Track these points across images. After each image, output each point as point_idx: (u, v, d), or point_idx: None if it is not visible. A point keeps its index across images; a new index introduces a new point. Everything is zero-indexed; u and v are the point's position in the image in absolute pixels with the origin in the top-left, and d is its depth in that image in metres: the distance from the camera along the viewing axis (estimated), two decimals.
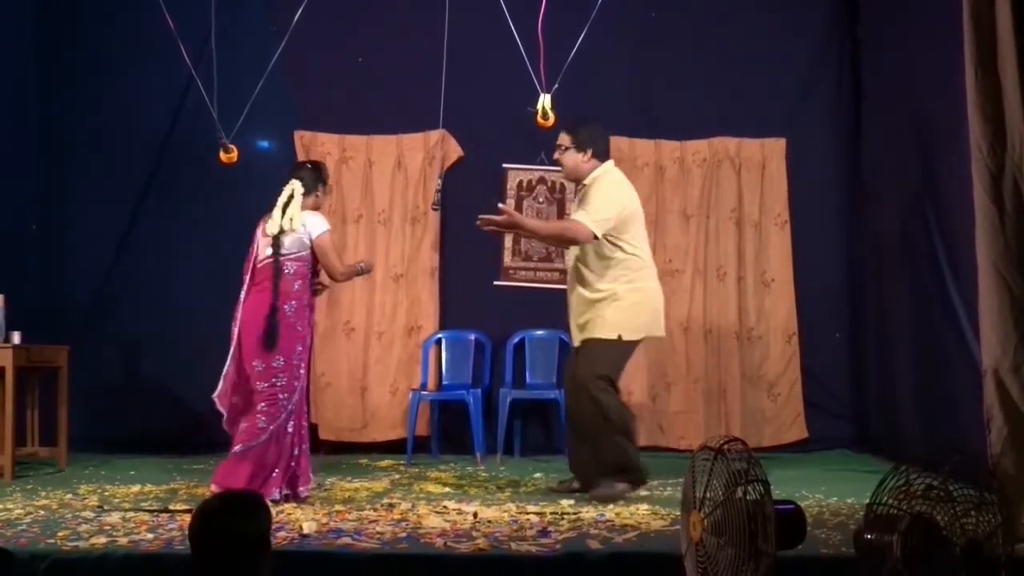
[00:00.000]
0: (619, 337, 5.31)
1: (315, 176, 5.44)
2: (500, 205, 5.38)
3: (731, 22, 7.46)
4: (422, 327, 7.34)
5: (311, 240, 5.23)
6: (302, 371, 5.24)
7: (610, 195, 5.37)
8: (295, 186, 5.33)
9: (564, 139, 5.50)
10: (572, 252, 5.47)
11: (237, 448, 5.10)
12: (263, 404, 5.13)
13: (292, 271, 5.20)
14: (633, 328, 5.35)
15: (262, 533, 2.62)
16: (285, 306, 5.17)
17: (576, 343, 5.48)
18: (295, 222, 5.22)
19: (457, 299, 7.38)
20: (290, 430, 5.17)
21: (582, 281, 5.40)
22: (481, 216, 5.24)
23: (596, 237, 5.26)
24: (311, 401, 7.29)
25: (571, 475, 5.57)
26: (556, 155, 5.58)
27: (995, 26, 4.13)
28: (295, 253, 5.21)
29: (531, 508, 4.86)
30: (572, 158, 5.48)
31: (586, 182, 5.46)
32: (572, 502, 5.07)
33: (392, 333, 7.36)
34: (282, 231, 5.21)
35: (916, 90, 6.38)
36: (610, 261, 5.33)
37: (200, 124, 6.74)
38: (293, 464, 5.20)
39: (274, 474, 5.12)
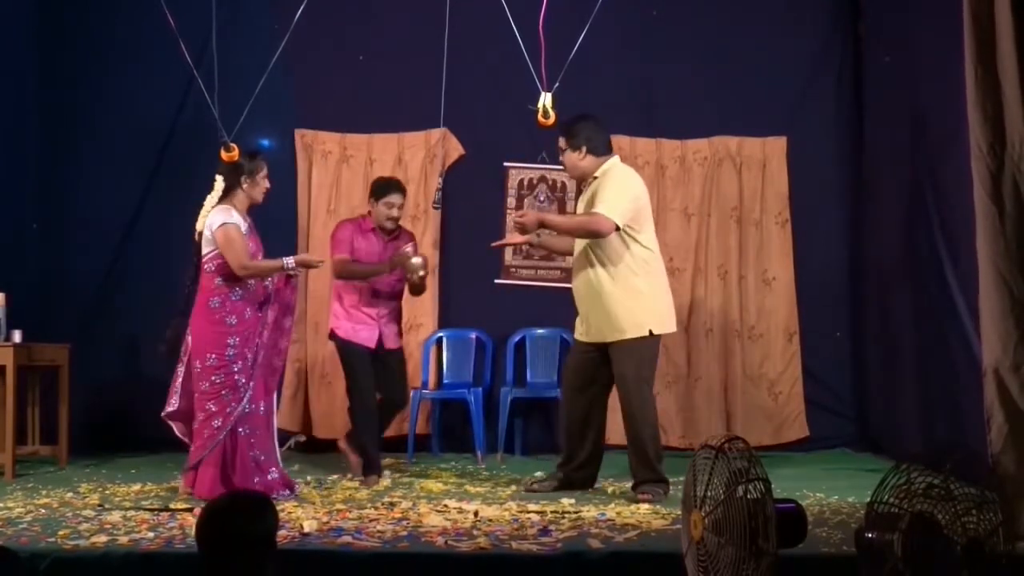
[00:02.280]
0: (650, 332, 5.34)
1: (232, 171, 5.37)
2: (517, 214, 5.50)
3: (732, 21, 7.46)
4: (422, 324, 7.34)
5: (212, 234, 5.23)
6: (242, 365, 5.19)
7: (624, 188, 5.39)
8: (216, 184, 5.34)
9: (560, 142, 5.55)
10: (582, 247, 5.46)
11: (200, 456, 5.16)
12: (211, 404, 5.15)
13: (212, 268, 5.24)
14: (659, 321, 5.40)
15: (268, 534, 2.62)
16: (210, 301, 5.20)
17: (597, 340, 5.42)
18: (205, 221, 5.25)
19: (458, 297, 7.38)
20: (256, 430, 5.20)
21: (598, 277, 5.38)
22: (512, 236, 5.63)
23: (618, 228, 5.29)
24: (311, 400, 7.31)
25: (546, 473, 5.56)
26: (560, 157, 5.63)
27: (995, 25, 4.13)
28: (211, 251, 5.24)
29: (532, 507, 4.86)
30: (569, 158, 5.52)
31: (596, 175, 5.46)
32: (573, 501, 5.07)
33: None
34: (200, 232, 5.27)
35: (917, 89, 6.39)
36: (628, 255, 5.34)
37: (201, 123, 6.74)
38: (274, 467, 5.27)
39: (271, 474, 5.15)
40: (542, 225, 5.52)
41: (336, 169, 7.44)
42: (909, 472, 2.82)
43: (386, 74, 7.38)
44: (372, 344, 5.93)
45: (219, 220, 5.22)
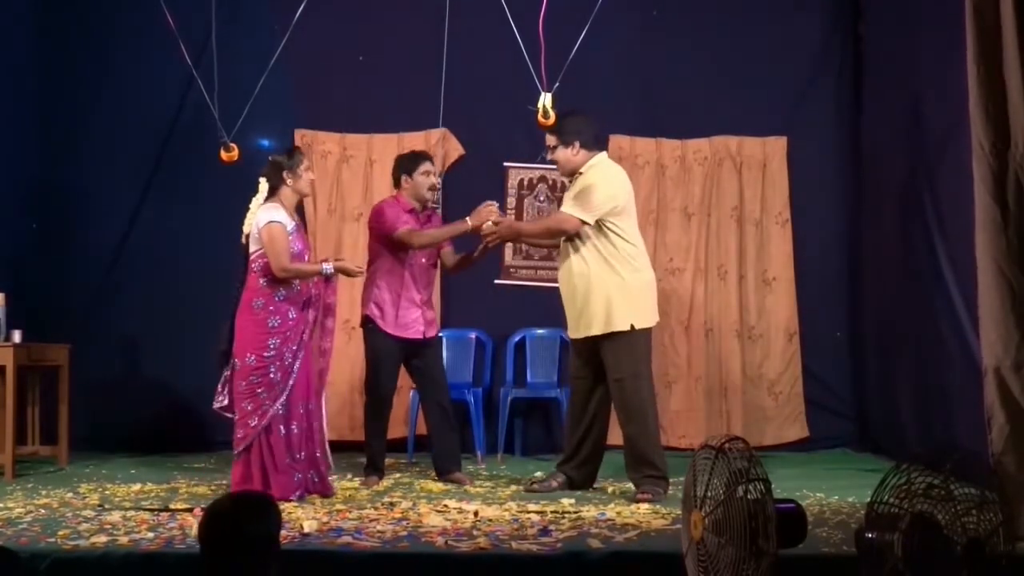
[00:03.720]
0: (631, 327, 5.34)
1: (275, 168, 5.32)
2: (493, 220, 5.50)
3: (732, 21, 7.46)
4: None
5: (259, 232, 5.23)
6: (279, 364, 5.18)
7: (600, 184, 5.39)
8: (261, 185, 5.32)
9: (550, 139, 5.52)
10: (565, 243, 5.45)
11: (236, 451, 5.17)
12: (247, 403, 5.16)
13: (258, 267, 5.23)
14: (642, 316, 5.40)
15: (271, 534, 2.62)
16: (254, 302, 5.20)
17: (584, 334, 5.42)
18: (251, 222, 5.26)
19: (458, 298, 7.37)
20: (294, 429, 5.17)
21: (581, 271, 5.39)
22: (486, 235, 5.54)
23: (585, 223, 5.30)
24: None
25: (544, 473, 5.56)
26: (548, 156, 5.60)
27: (998, 23, 4.12)
28: (258, 251, 5.23)
29: (532, 507, 4.86)
30: (562, 154, 5.49)
31: (582, 171, 5.47)
32: (573, 501, 5.06)
33: None
34: (247, 234, 5.27)
35: (918, 88, 6.38)
36: (610, 250, 5.36)
37: (201, 123, 6.75)
38: (314, 469, 5.26)
39: (296, 477, 5.15)
40: (516, 235, 5.64)
41: (336, 169, 7.44)
42: (909, 472, 2.82)
43: (386, 74, 7.38)
44: (419, 334, 5.77)
45: (265, 218, 5.21)
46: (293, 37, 6.43)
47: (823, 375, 7.44)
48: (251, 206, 5.30)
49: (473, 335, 7.29)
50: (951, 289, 5.80)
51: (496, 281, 7.39)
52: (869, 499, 2.87)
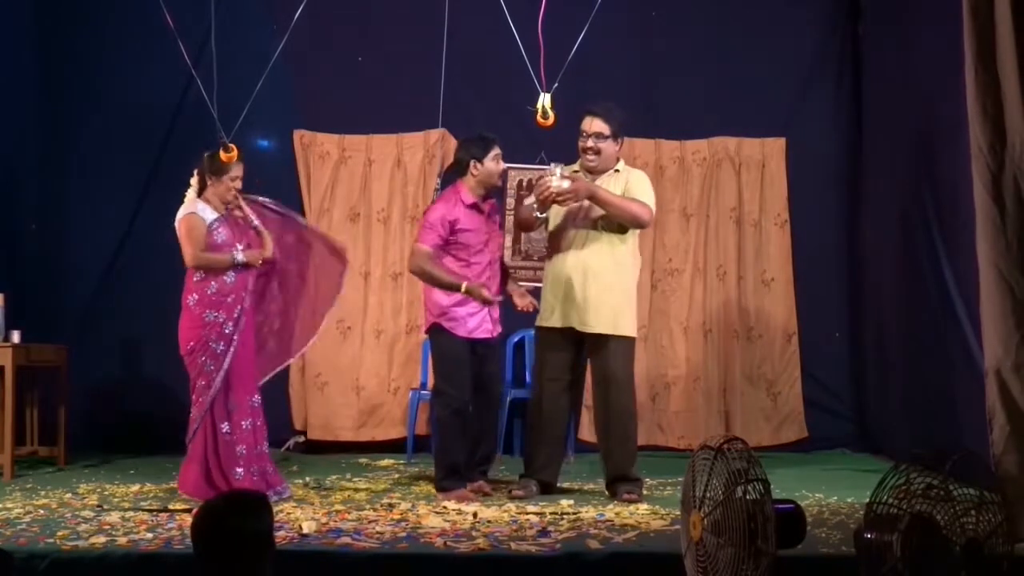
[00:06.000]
0: (631, 335, 5.40)
1: (201, 169, 5.38)
2: (561, 177, 5.18)
3: (732, 21, 7.47)
4: (421, 326, 7.32)
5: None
6: (218, 334, 5.20)
7: (651, 190, 5.39)
8: (192, 180, 5.40)
9: (602, 127, 5.31)
10: (585, 233, 5.34)
11: (188, 436, 5.28)
12: (195, 396, 5.25)
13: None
14: (636, 325, 5.49)
15: (264, 533, 2.62)
16: (188, 299, 5.28)
17: (583, 327, 5.31)
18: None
19: None
20: (243, 425, 5.20)
21: (604, 267, 5.29)
22: (561, 195, 5.13)
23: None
24: (308, 401, 7.29)
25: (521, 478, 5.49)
26: (591, 143, 5.34)
27: (995, 24, 4.13)
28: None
29: (531, 508, 4.86)
30: (611, 148, 5.34)
31: (618, 168, 5.42)
32: (572, 502, 5.06)
33: (392, 332, 7.34)
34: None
35: (917, 89, 6.39)
36: (629, 255, 5.37)
37: (200, 123, 6.73)
38: (258, 464, 5.24)
39: (237, 472, 5.15)
40: (589, 198, 5.24)
41: (335, 170, 7.43)
42: (908, 473, 2.82)
43: (385, 75, 7.38)
44: (488, 332, 5.37)
45: (182, 212, 5.30)
46: (293, 37, 6.43)
47: (822, 376, 7.45)
48: (184, 201, 5.36)
49: None
50: (950, 289, 5.80)
51: None
52: (868, 499, 2.87)
